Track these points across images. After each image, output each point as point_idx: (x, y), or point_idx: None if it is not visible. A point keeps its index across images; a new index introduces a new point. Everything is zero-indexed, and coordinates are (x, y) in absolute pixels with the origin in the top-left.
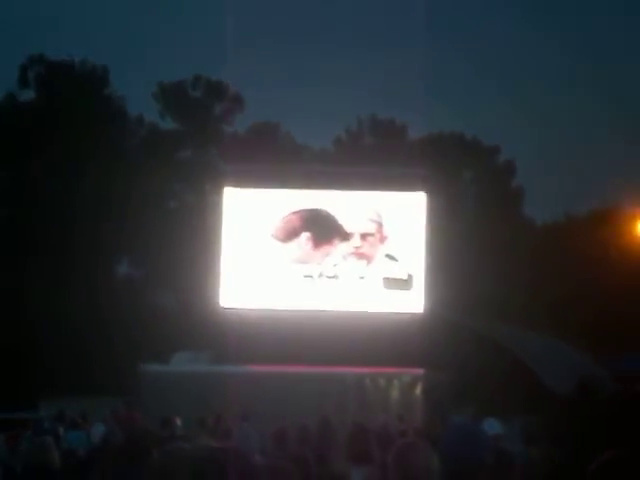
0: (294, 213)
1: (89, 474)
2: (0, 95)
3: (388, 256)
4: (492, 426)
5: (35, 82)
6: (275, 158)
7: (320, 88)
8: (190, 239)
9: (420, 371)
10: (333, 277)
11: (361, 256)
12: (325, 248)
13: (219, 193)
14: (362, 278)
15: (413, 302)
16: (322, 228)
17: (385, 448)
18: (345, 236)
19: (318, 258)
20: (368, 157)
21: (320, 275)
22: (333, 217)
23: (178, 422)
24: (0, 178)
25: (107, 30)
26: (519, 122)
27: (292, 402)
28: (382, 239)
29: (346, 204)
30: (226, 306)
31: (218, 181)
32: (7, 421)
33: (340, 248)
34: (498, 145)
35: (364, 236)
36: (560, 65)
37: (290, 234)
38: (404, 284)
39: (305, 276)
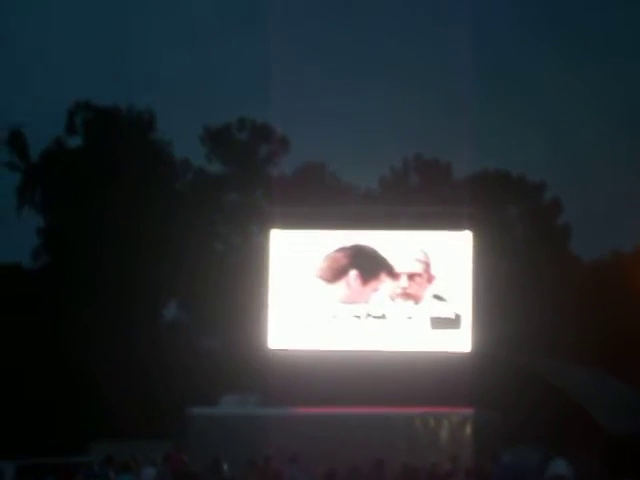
0: (339, 251)
1: None
2: (48, 141)
3: (436, 296)
4: (558, 466)
5: (82, 128)
6: (321, 199)
7: (365, 128)
8: (237, 281)
9: (469, 410)
10: (381, 317)
11: (408, 296)
12: (373, 284)
13: (266, 235)
14: (410, 318)
15: (461, 341)
16: (369, 264)
17: None
18: (392, 274)
19: (366, 295)
20: (413, 197)
21: (368, 315)
22: (379, 253)
23: (225, 466)
24: (52, 221)
25: (152, 74)
26: (564, 158)
27: (341, 444)
28: (429, 279)
29: (392, 244)
30: (274, 348)
31: (265, 223)
32: (59, 465)
33: (388, 285)
34: (544, 182)
35: (411, 276)
36: (604, 102)
37: (337, 273)
38: (452, 323)
39: (353, 316)
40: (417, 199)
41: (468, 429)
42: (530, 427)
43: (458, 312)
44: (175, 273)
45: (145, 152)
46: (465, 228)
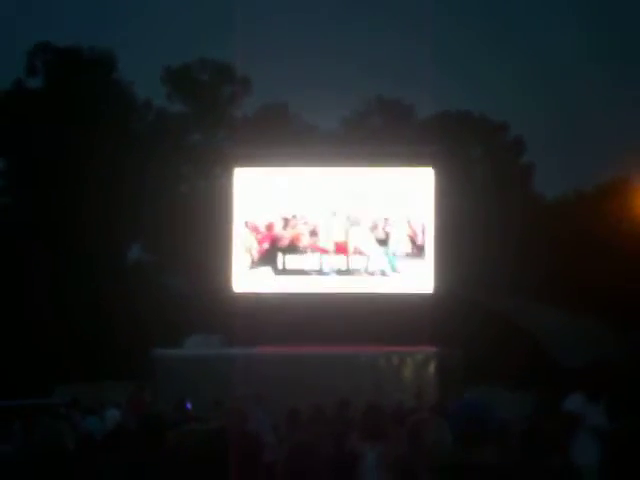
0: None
1: (104, 459)
2: (8, 82)
3: (398, 235)
4: (573, 402)
5: (43, 69)
6: (284, 139)
7: (327, 68)
8: (201, 222)
9: (433, 349)
10: (346, 258)
11: (371, 239)
12: (336, 229)
13: (229, 175)
14: (373, 257)
15: (424, 281)
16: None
17: (399, 426)
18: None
19: (328, 239)
20: (375, 136)
21: (331, 257)
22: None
23: (189, 405)
24: (9, 161)
25: (113, 15)
26: (527, 98)
27: (305, 383)
28: (393, 218)
29: (355, 181)
30: (238, 290)
31: (228, 163)
32: (23, 407)
33: (353, 230)
34: (507, 121)
35: (374, 218)
36: (570, 39)
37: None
38: (416, 255)
39: (316, 258)
40: (379, 139)
41: (432, 367)
42: (493, 365)
43: (422, 245)
44: (139, 214)
45: (106, 92)
46: (427, 166)
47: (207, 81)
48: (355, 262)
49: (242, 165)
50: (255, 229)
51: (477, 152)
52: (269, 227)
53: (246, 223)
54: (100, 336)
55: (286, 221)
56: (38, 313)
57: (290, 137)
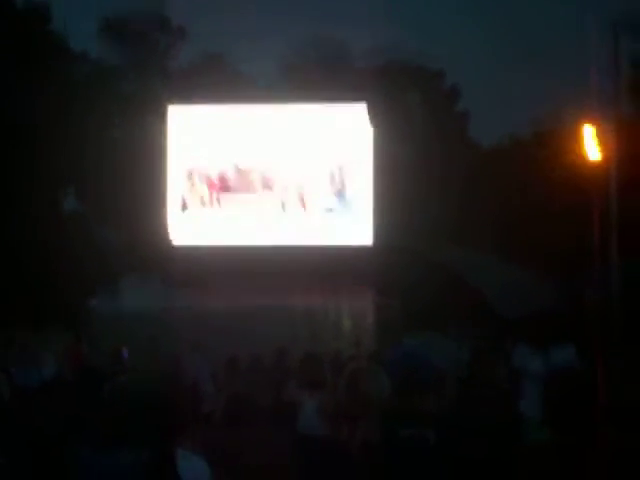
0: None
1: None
2: None
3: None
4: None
5: None
6: (221, 90)
7: (262, 16)
8: (136, 172)
9: (372, 298)
10: (281, 207)
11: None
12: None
13: (162, 115)
14: (308, 208)
15: (362, 230)
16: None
17: (337, 374)
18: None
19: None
20: (312, 78)
21: (269, 210)
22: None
23: (125, 353)
24: None
25: None
26: (462, 45)
27: (243, 335)
28: (329, 162)
29: (291, 119)
30: (175, 243)
31: (161, 103)
32: None
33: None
34: (442, 69)
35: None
36: None
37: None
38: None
39: (253, 211)
40: (316, 84)
41: (370, 317)
42: (432, 315)
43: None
44: (73, 164)
45: (42, 43)
46: (362, 100)
47: (142, 32)
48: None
49: (177, 103)
50: (208, 181)
51: (413, 99)
52: (221, 179)
53: (193, 172)
54: (37, 287)
55: (240, 172)
56: None
57: (226, 86)
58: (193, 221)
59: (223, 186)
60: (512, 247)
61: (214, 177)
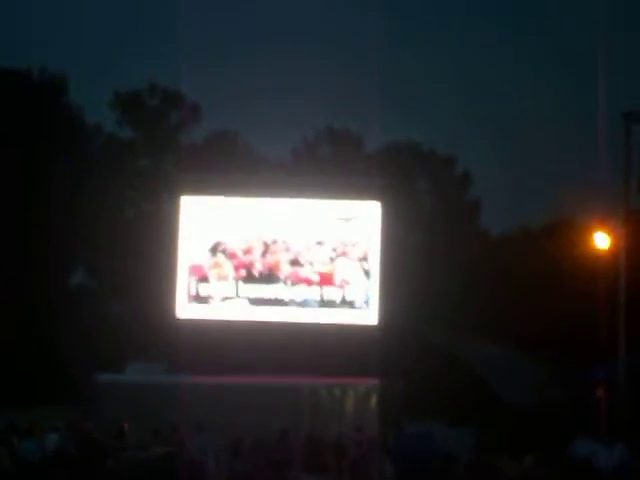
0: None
1: None
2: None
3: (343, 269)
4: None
5: None
6: (232, 167)
7: (277, 98)
8: (146, 248)
9: (375, 381)
10: (289, 290)
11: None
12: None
13: (175, 202)
14: (317, 297)
15: (368, 313)
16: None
17: (340, 458)
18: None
19: (273, 276)
20: (324, 167)
21: (275, 296)
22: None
23: (126, 429)
24: None
25: (64, 39)
26: (475, 133)
27: (247, 413)
28: (337, 250)
29: (302, 213)
30: (181, 317)
31: (174, 190)
32: None
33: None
34: (454, 155)
35: (318, 251)
36: (518, 75)
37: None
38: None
39: (260, 294)
40: (328, 170)
41: (373, 399)
42: (434, 398)
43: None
44: (83, 238)
45: (56, 116)
46: (375, 199)
47: (156, 107)
48: (335, 293)
49: (189, 193)
50: (232, 255)
51: (425, 185)
52: (247, 251)
53: (217, 247)
54: (43, 361)
55: (266, 246)
56: None
57: (239, 166)
58: (200, 296)
59: (247, 263)
60: (519, 336)
61: (239, 252)
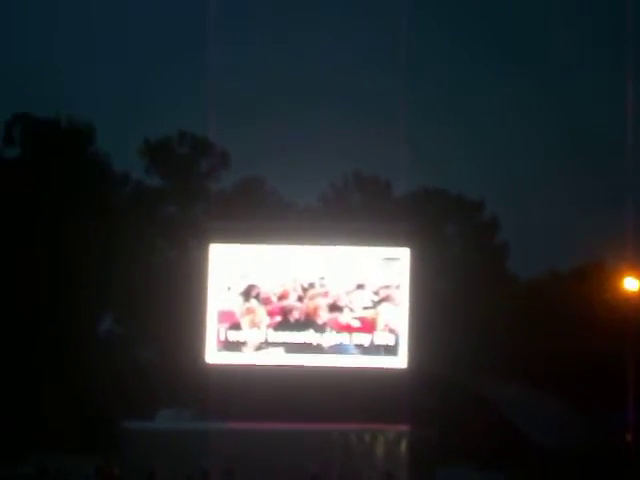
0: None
1: None
2: None
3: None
4: None
5: (21, 139)
6: (261, 215)
7: (306, 145)
8: (174, 295)
9: (405, 427)
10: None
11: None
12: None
13: (204, 249)
14: (350, 346)
15: (398, 358)
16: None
17: None
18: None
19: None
20: (353, 213)
21: (304, 342)
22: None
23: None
24: None
25: (92, 87)
26: (503, 177)
27: (277, 459)
28: (366, 296)
29: (331, 260)
30: (211, 362)
31: (203, 237)
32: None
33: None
34: (482, 200)
35: (349, 299)
36: (543, 123)
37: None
38: (390, 350)
39: (290, 340)
40: (357, 216)
41: (403, 446)
42: (464, 443)
43: (397, 335)
44: (113, 286)
45: (84, 164)
46: (403, 245)
47: (185, 154)
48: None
49: (218, 241)
50: (266, 300)
51: (452, 230)
52: (282, 296)
53: (250, 292)
54: (72, 407)
55: (304, 290)
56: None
57: (267, 213)
58: (229, 342)
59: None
60: (548, 379)
61: (290, 299)
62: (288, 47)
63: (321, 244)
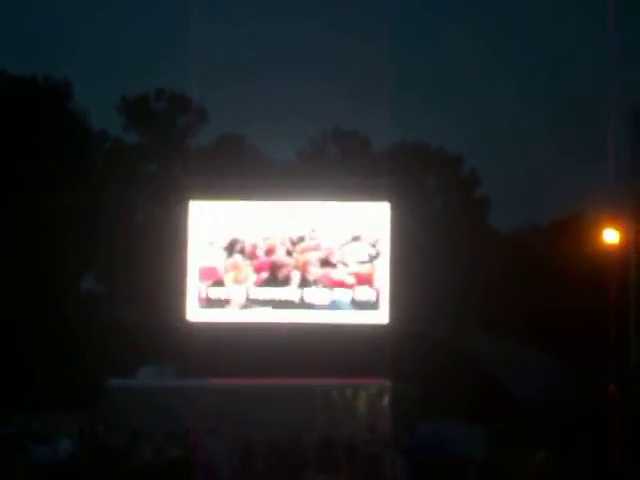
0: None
1: None
2: None
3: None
4: None
5: None
6: (240, 171)
7: (284, 103)
8: (156, 253)
9: (387, 381)
10: (301, 302)
11: (328, 281)
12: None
13: (184, 205)
14: (331, 302)
15: (378, 313)
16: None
17: (352, 458)
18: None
19: (286, 277)
20: (332, 169)
21: (287, 299)
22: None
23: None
24: None
25: (68, 44)
26: (482, 131)
27: (259, 415)
28: (346, 251)
29: (310, 215)
30: (192, 320)
31: (183, 194)
32: None
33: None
34: (462, 154)
35: (329, 261)
36: (525, 69)
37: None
38: (372, 305)
39: (272, 297)
40: (336, 171)
41: (385, 400)
42: (446, 398)
43: (377, 292)
44: (93, 244)
45: (62, 122)
46: (383, 199)
47: (163, 111)
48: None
49: (198, 198)
50: (252, 255)
51: (433, 184)
52: (268, 251)
53: (234, 247)
54: (53, 366)
55: (293, 243)
56: None
57: (246, 169)
58: (210, 299)
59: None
60: (528, 331)
61: (260, 251)
62: (270, 5)
63: (303, 199)
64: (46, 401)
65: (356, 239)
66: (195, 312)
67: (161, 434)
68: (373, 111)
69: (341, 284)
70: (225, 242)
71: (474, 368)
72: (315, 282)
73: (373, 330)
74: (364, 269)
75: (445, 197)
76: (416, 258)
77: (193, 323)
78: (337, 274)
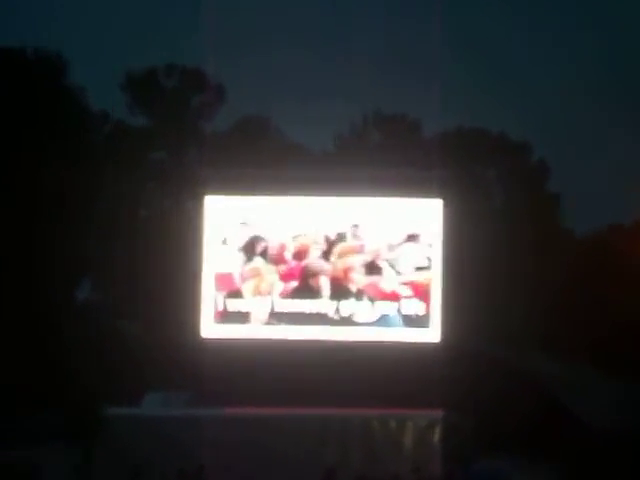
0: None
1: None
2: None
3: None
4: None
5: None
6: (264, 160)
7: (316, 76)
8: (164, 256)
9: (438, 412)
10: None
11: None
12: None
13: (198, 202)
14: (377, 314)
15: (429, 330)
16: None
17: None
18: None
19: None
20: (374, 158)
21: (322, 310)
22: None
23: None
24: None
25: (65, 12)
26: (552, 115)
27: (286, 450)
28: (391, 258)
29: (349, 213)
30: (207, 337)
31: (197, 187)
32: None
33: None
34: (527, 141)
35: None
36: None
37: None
38: (421, 321)
39: (302, 308)
40: (379, 161)
41: (436, 433)
42: (505, 429)
43: (427, 305)
44: (89, 245)
45: (55, 100)
46: (436, 195)
47: (174, 89)
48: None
49: (214, 193)
50: (278, 258)
51: (493, 175)
52: (299, 254)
53: (254, 247)
54: (38, 390)
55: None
56: None
57: (271, 157)
58: (227, 312)
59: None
60: (605, 353)
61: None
62: None
63: (340, 195)
64: (31, 432)
65: (412, 239)
66: (210, 328)
67: (171, 472)
68: (423, 91)
69: (393, 297)
70: (243, 240)
71: (538, 393)
72: (359, 294)
73: (421, 350)
74: (422, 277)
75: (507, 192)
76: (472, 265)
77: (207, 341)
78: (387, 284)
